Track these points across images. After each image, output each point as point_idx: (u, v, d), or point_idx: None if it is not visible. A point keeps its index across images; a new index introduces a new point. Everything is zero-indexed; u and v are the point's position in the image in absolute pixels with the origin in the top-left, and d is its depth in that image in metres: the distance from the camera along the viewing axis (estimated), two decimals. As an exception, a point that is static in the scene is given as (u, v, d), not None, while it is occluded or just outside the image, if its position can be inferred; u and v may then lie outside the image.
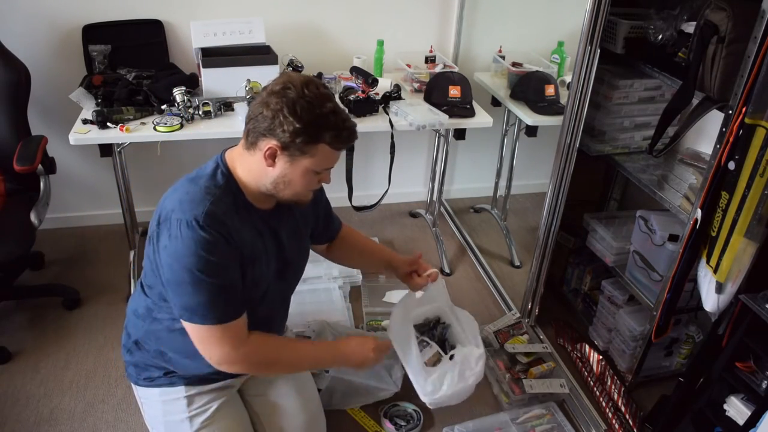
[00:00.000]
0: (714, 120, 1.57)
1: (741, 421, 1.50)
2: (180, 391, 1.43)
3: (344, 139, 1.22)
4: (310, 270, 2.45)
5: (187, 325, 1.24)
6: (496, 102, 2.73)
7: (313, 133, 1.17)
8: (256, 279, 1.32)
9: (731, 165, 1.44)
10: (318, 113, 1.17)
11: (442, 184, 2.86)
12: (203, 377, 1.44)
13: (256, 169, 1.25)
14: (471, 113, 2.42)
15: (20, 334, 2.21)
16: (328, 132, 1.18)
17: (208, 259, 1.18)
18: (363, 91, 2.36)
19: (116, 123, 2.09)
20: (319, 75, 2.54)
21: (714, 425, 1.61)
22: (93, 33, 2.41)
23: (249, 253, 1.28)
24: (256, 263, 1.31)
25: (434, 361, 1.60)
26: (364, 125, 2.27)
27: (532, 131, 2.45)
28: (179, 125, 2.10)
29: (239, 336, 1.27)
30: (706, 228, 1.56)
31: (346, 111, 1.26)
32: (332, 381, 1.87)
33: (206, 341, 1.25)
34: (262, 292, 1.38)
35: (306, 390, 1.64)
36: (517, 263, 2.80)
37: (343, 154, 2.31)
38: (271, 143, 1.18)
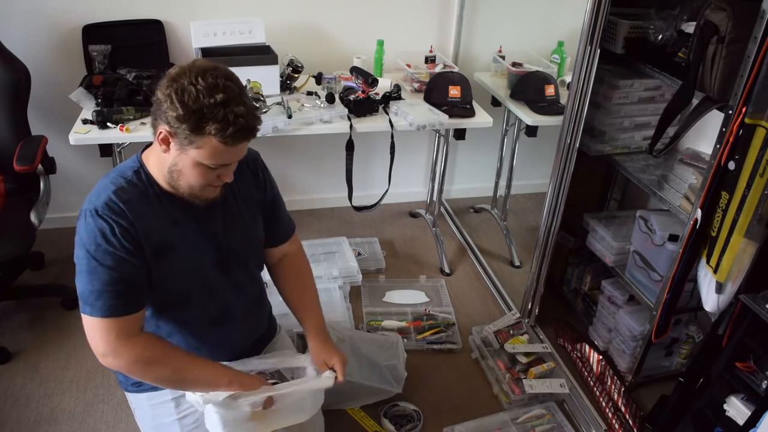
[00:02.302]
0: (714, 120, 1.57)
1: (741, 421, 1.50)
2: (166, 394, 1.42)
3: (231, 134, 1.14)
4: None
5: (82, 316, 1.22)
6: (496, 102, 2.73)
7: (196, 123, 1.12)
8: (177, 269, 1.29)
9: (731, 165, 1.44)
10: (204, 103, 1.11)
11: (442, 184, 2.86)
12: None
13: (158, 155, 1.24)
14: (471, 113, 2.42)
15: (20, 334, 2.21)
16: (212, 124, 1.12)
17: (105, 248, 1.18)
18: (363, 91, 2.36)
19: (116, 123, 2.08)
20: (319, 75, 2.54)
21: (714, 425, 1.61)
22: (93, 33, 2.41)
23: (158, 241, 1.25)
24: (170, 252, 1.27)
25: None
26: (364, 125, 2.27)
27: (532, 131, 2.45)
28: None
29: (126, 332, 1.21)
30: (706, 228, 1.56)
31: (249, 107, 1.16)
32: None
33: (91, 332, 1.21)
34: (196, 283, 1.34)
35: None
36: (517, 263, 2.80)
37: (344, 153, 2.31)
38: (163, 128, 1.16)
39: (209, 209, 1.33)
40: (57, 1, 2.37)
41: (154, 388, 1.42)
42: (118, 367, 1.24)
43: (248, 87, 2.20)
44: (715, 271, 1.53)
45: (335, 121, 2.25)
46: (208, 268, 1.36)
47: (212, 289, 1.39)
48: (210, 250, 1.36)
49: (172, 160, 1.20)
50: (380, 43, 2.65)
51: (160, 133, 1.17)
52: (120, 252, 1.19)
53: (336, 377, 1.45)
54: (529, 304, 2.31)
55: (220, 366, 1.32)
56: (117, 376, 1.48)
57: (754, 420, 1.44)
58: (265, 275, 1.60)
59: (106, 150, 2.16)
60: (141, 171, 1.27)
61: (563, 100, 2.38)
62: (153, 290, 1.29)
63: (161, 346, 1.27)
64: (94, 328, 1.20)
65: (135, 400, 1.47)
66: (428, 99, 2.44)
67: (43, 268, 2.58)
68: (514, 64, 2.65)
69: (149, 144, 1.30)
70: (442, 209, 3.22)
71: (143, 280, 1.24)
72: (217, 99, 1.12)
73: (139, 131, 2.08)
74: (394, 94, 2.40)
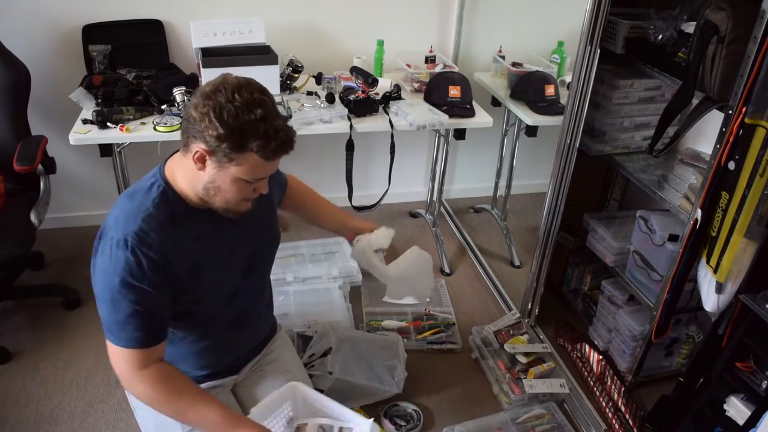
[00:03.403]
0: (714, 120, 1.57)
1: (741, 421, 1.50)
2: None
3: (272, 149, 1.13)
4: (310, 270, 2.47)
5: (107, 343, 1.24)
6: (496, 102, 2.73)
7: (238, 141, 1.11)
8: (209, 284, 1.30)
9: (731, 165, 1.44)
10: (245, 119, 1.10)
11: (442, 184, 2.86)
12: (192, 379, 1.44)
13: (190, 173, 1.20)
14: (471, 113, 2.42)
15: (20, 334, 2.21)
16: (254, 140, 1.11)
17: (130, 282, 1.16)
18: (363, 91, 2.36)
19: (116, 123, 2.09)
20: (319, 75, 2.54)
21: (714, 425, 1.61)
22: (93, 33, 2.41)
23: (190, 263, 1.24)
24: (201, 270, 1.27)
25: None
26: (364, 125, 2.27)
27: (532, 131, 2.45)
28: (179, 125, 2.10)
29: (143, 364, 1.22)
30: (706, 228, 1.56)
31: (285, 120, 1.17)
32: (335, 382, 1.87)
33: (113, 357, 1.24)
34: (228, 293, 1.36)
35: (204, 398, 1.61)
36: (517, 263, 2.80)
37: (344, 153, 2.31)
38: (199, 146, 1.14)
39: (233, 220, 1.32)
40: (57, 1, 2.37)
41: None
42: (137, 396, 1.27)
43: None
44: (715, 271, 1.53)
45: (335, 121, 2.25)
46: (234, 276, 1.37)
47: (235, 295, 1.39)
48: (235, 257, 1.36)
49: (209, 178, 1.18)
50: (380, 43, 2.65)
51: (196, 152, 1.14)
52: (146, 287, 1.18)
53: None
54: (529, 304, 2.31)
55: (226, 415, 1.26)
56: None
57: (754, 420, 1.45)
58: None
59: (106, 150, 2.16)
60: (167, 190, 1.23)
61: (563, 100, 2.38)
62: (188, 309, 1.30)
63: (169, 386, 1.25)
64: (116, 354, 1.23)
65: (136, 400, 1.46)
66: (428, 99, 2.44)
67: (43, 268, 2.58)
68: (514, 64, 2.65)
69: (170, 155, 1.29)
70: (442, 209, 3.22)
71: (166, 311, 1.25)
72: (256, 115, 1.10)
73: (139, 131, 2.08)
74: (394, 94, 2.40)
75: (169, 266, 1.20)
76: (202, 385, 1.47)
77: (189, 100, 2.13)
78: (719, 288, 1.53)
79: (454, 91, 2.40)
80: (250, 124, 1.10)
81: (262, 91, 1.15)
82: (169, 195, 1.23)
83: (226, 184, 1.18)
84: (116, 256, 1.16)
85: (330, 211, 1.72)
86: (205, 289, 1.30)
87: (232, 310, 1.42)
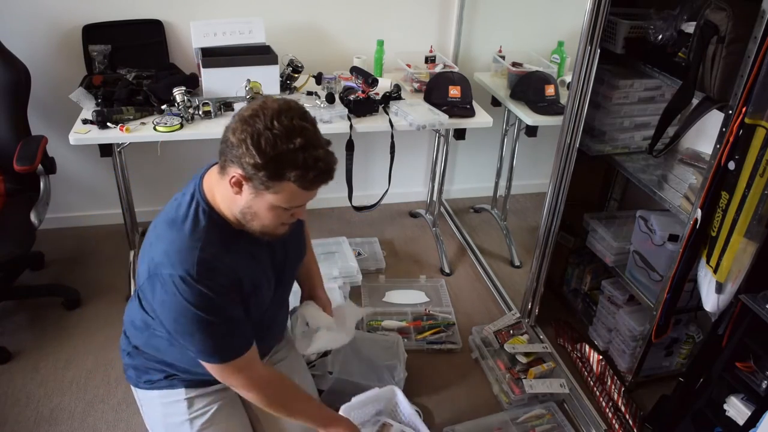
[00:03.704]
0: (714, 120, 1.57)
1: (741, 421, 1.50)
2: (180, 394, 1.42)
3: (311, 180, 1.10)
4: (310, 270, 2.46)
5: (209, 366, 1.26)
6: (496, 102, 2.73)
7: (276, 170, 1.07)
8: (259, 303, 1.32)
9: (731, 165, 1.44)
10: (284, 149, 1.06)
11: (442, 184, 2.86)
12: (204, 381, 1.44)
13: (227, 196, 1.18)
14: (471, 113, 2.41)
15: (20, 334, 2.21)
16: (293, 171, 1.07)
17: (210, 307, 1.16)
18: (363, 91, 2.36)
19: (116, 123, 2.09)
20: (319, 75, 2.54)
21: (714, 425, 1.61)
22: (93, 33, 2.41)
23: (249, 283, 1.25)
24: (257, 290, 1.29)
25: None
26: (364, 125, 2.27)
27: (532, 131, 2.44)
28: (179, 125, 2.10)
29: (252, 365, 1.29)
30: (706, 228, 1.56)
31: (326, 148, 1.13)
32: (336, 382, 1.87)
33: (227, 374, 1.27)
34: (264, 310, 1.38)
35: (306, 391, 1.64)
36: (517, 263, 2.80)
37: (344, 153, 2.31)
38: (236, 171, 1.11)
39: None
40: (57, 1, 2.37)
41: (168, 386, 1.42)
42: (254, 400, 1.33)
43: (248, 87, 2.20)
44: (715, 271, 1.53)
45: (335, 121, 2.25)
46: (271, 294, 1.37)
47: (266, 311, 1.40)
48: (274, 276, 1.37)
49: (246, 203, 1.16)
50: (380, 43, 2.65)
51: (233, 177, 1.12)
52: (225, 304, 1.19)
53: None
54: (529, 304, 2.31)
55: (325, 411, 1.45)
56: (126, 372, 1.47)
57: (754, 420, 1.45)
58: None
59: (106, 150, 2.16)
60: (212, 214, 1.21)
61: (563, 100, 2.38)
62: None
63: (281, 386, 1.37)
64: (226, 372, 1.26)
65: (145, 397, 1.46)
66: (428, 99, 2.44)
67: (43, 268, 2.58)
68: (514, 64, 2.65)
69: (205, 170, 1.27)
70: (442, 209, 3.22)
71: (244, 316, 1.27)
72: (296, 144, 1.06)
73: (139, 131, 2.08)
74: (394, 94, 2.40)
75: (236, 287, 1.21)
76: (215, 387, 1.47)
77: (189, 100, 2.14)
78: (719, 288, 1.53)
79: (454, 91, 2.39)
80: (288, 153, 1.06)
81: (304, 116, 1.11)
82: (215, 219, 1.21)
83: (262, 210, 1.16)
84: (185, 291, 1.14)
85: (309, 265, 1.65)
86: (257, 309, 1.31)
87: (260, 325, 1.42)
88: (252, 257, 1.27)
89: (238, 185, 1.13)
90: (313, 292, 1.63)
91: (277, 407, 1.36)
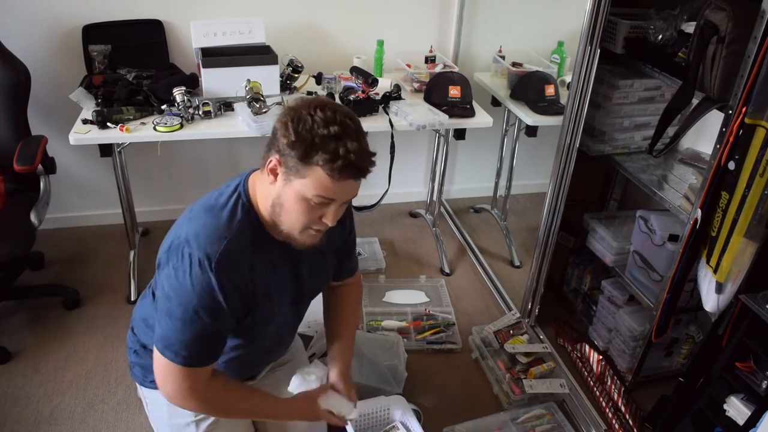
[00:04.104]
0: (714, 120, 1.57)
1: (741, 421, 1.50)
2: None
3: (338, 168, 1.09)
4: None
5: (156, 354, 1.20)
6: (496, 102, 2.73)
7: (306, 150, 1.08)
8: (266, 316, 1.29)
9: (731, 165, 1.44)
10: (317, 132, 1.08)
11: (442, 184, 2.86)
12: None
13: (265, 188, 1.18)
14: (471, 113, 2.41)
15: (20, 334, 2.21)
16: (321, 154, 1.08)
17: (210, 305, 1.14)
18: (363, 91, 2.36)
19: (116, 123, 2.09)
20: (319, 75, 2.54)
21: (714, 425, 1.61)
22: (93, 33, 2.41)
23: (261, 290, 1.23)
24: (266, 301, 1.26)
25: None
26: (364, 125, 2.22)
27: (532, 131, 2.45)
28: (179, 125, 2.10)
29: (200, 380, 1.21)
30: (706, 228, 1.56)
31: (363, 145, 1.13)
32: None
33: (167, 374, 1.20)
34: (273, 324, 1.35)
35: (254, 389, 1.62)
36: (517, 263, 2.80)
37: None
38: (273, 156, 1.13)
39: (301, 253, 1.29)
40: (57, 1, 2.37)
41: None
42: (187, 408, 1.27)
43: (248, 87, 2.20)
44: (715, 271, 1.53)
45: (335, 121, 2.24)
46: (285, 310, 1.35)
47: (279, 326, 1.39)
48: (292, 292, 1.34)
49: (277, 192, 1.15)
50: (380, 43, 2.65)
51: (270, 161, 1.13)
52: (224, 310, 1.16)
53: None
54: (529, 304, 2.31)
55: (278, 401, 1.39)
56: (132, 370, 1.47)
57: (754, 420, 1.44)
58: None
59: (106, 150, 2.16)
60: (250, 210, 1.21)
61: (563, 100, 2.38)
62: (237, 334, 1.28)
63: (225, 396, 1.28)
64: (172, 373, 1.19)
65: (151, 396, 1.45)
66: (428, 99, 2.44)
67: (43, 268, 2.58)
68: (514, 64, 2.65)
69: (255, 169, 1.26)
70: (442, 209, 3.22)
71: (228, 333, 1.23)
72: (330, 131, 1.08)
73: (139, 131, 2.08)
74: (394, 94, 2.40)
75: (247, 290, 1.19)
76: None
77: (189, 100, 2.14)
78: (719, 288, 1.53)
79: (454, 91, 2.40)
80: (321, 138, 1.08)
81: (348, 115, 1.13)
82: (252, 216, 1.21)
83: (290, 201, 1.14)
84: (197, 276, 1.12)
85: (344, 336, 1.55)
86: (260, 319, 1.28)
87: (270, 339, 1.42)
88: (273, 266, 1.25)
89: (273, 172, 1.14)
90: (338, 368, 1.49)
91: (216, 413, 1.32)
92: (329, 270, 1.46)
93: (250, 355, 1.42)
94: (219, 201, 1.21)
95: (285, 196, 1.15)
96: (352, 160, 1.09)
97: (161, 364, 1.19)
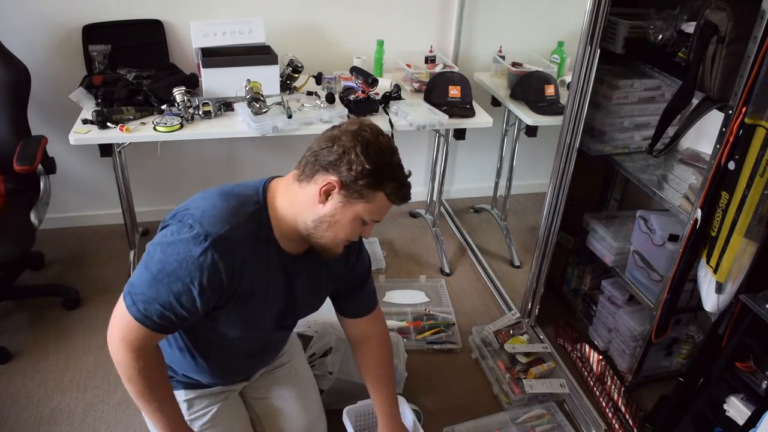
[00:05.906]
0: (714, 120, 1.57)
1: (741, 421, 1.50)
2: (179, 395, 1.42)
3: (402, 195, 1.19)
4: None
5: (120, 299, 1.19)
6: (496, 102, 2.73)
7: (378, 179, 1.14)
8: (244, 315, 1.27)
9: (731, 165, 1.44)
10: (388, 161, 1.15)
11: (442, 184, 2.86)
12: (202, 386, 1.46)
13: (301, 203, 1.19)
14: (471, 113, 2.42)
15: (20, 334, 2.21)
16: (391, 182, 1.16)
17: (185, 279, 1.12)
18: (363, 91, 2.36)
19: (116, 123, 2.09)
20: (319, 75, 2.54)
21: (714, 425, 1.61)
22: (93, 33, 2.41)
23: (246, 287, 1.22)
24: (249, 299, 1.24)
25: None
26: (364, 125, 2.27)
27: (532, 131, 2.45)
28: (179, 125, 2.10)
29: (141, 342, 1.18)
30: (706, 228, 1.56)
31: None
32: (336, 382, 1.87)
33: (118, 317, 1.18)
34: (249, 328, 1.33)
35: (308, 393, 1.65)
36: (517, 263, 2.80)
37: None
38: (330, 179, 1.14)
39: (300, 268, 1.31)
40: (57, 1, 2.37)
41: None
42: (113, 357, 1.21)
43: (248, 87, 2.20)
44: (715, 271, 1.53)
45: (335, 121, 2.24)
46: (267, 318, 1.34)
47: (260, 334, 1.39)
48: (280, 303, 1.33)
49: (330, 212, 1.17)
50: (380, 43, 2.65)
51: (327, 184, 1.14)
52: (195, 292, 1.14)
53: None
54: (529, 304, 2.31)
55: (178, 422, 1.29)
56: None
57: (754, 420, 1.45)
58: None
59: (106, 150, 2.16)
60: (263, 211, 1.21)
61: (563, 100, 2.38)
62: (205, 323, 1.26)
63: (152, 378, 1.23)
64: (123, 319, 1.17)
65: None
66: (428, 99, 2.44)
67: (43, 268, 2.58)
68: (514, 64, 2.65)
69: (276, 176, 1.27)
70: (442, 209, 3.22)
71: (190, 321, 1.21)
72: (394, 159, 1.17)
73: (139, 131, 2.08)
74: (394, 94, 2.40)
75: (230, 283, 1.17)
76: (212, 389, 1.47)
77: (189, 100, 2.14)
78: (719, 288, 1.53)
79: (454, 91, 2.40)
80: (389, 166, 1.16)
81: (393, 142, 1.21)
82: (263, 216, 1.21)
83: (345, 219, 1.18)
84: (187, 246, 1.12)
85: (384, 394, 1.55)
86: (234, 316, 1.26)
87: (253, 345, 1.42)
88: (267, 268, 1.25)
89: (326, 194, 1.16)
90: (380, 416, 1.53)
91: (131, 381, 1.22)
92: (324, 293, 1.46)
93: (229, 354, 1.41)
94: (235, 190, 1.23)
95: (340, 215, 1.18)
96: (409, 188, 1.21)
97: (119, 306, 1.19)
